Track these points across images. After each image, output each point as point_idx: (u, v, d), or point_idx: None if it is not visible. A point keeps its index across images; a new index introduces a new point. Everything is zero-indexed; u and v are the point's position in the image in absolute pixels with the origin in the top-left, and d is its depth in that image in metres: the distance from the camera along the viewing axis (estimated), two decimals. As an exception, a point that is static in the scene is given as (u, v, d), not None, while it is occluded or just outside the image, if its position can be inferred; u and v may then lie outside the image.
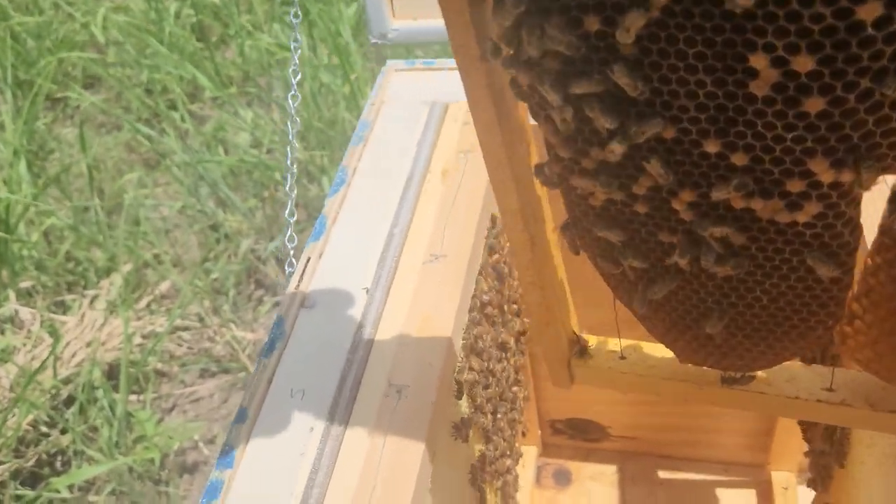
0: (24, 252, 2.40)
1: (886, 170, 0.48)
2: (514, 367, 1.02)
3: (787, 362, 0.68)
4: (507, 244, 0.95)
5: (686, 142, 0.50)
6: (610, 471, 1.47)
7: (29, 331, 2.19)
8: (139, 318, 2.25)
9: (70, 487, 1.88)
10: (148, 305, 2.29)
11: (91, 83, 3.16)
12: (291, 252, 0.82)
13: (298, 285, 0.82)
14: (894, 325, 0.59)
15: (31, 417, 1.97)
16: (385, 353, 0.77)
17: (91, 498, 1.88)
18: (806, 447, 1.08)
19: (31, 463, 1.93)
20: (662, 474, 1.45)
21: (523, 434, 1.12)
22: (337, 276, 0.84)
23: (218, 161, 2.63)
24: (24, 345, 2.15)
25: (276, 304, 2.30)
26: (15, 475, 1.91)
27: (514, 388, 1.04)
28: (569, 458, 1.49)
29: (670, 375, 0.74)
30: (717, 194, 0.52)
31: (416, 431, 0.70)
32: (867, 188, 0.49)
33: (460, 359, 0.82)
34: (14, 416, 1.94)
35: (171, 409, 2.09)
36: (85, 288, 2.33)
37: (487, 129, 0.57)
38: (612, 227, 0.59)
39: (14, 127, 2.78)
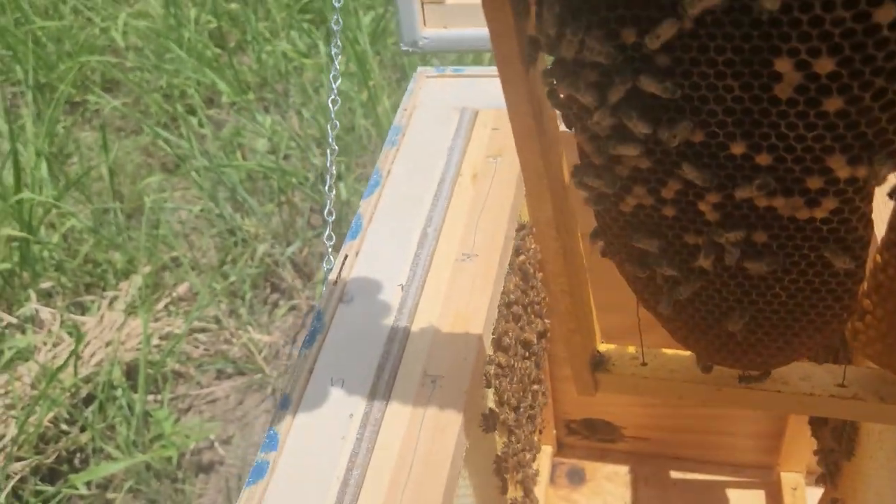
0: (45, 253, 2.42)
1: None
2: (535, 365, 1.06)
3: (801, 362, 0.71)
4: (533, 246, 0.98)
5: (713, 145, 0.53)
6: (623, 471, 1.50)
7: (49, 330, 2.21)
8: (157, 320, 2.27)
9: (88, 484, 1.90)
10: (166, 307, 2.31)
11: (110, 87, 3.19)
12: (329, 250, 0.86)
13: (337, 281, 0.86)
14: (904, 320, 0.62)
15: (51, 415, 1.99)
16: (420, 346, 0.80)
17: (109, 495, 1.90)
18: (815, 446, 1.12)
19: (51, 459, 1.95)
20: (675, 475, 1.47)
21: (540, 432, 1.15)
22: (373, 273, 0.87)
23: (236, 166, 2.65)
24: (45, 344, 2.17)
25: (292, 307, 2.32)
26: (35, 471, 1.92)
27: (535, 386, 1.07)
28: (583, 458, 1.51)
29: (690, 378, 0.75)
30: (741, 193, 0.55)
31: (451, 418, 0.73)
32: (881, 183, 0.52)
33: (490, 353, 0.86)
34: (35, 413, 1.97)
35: (188, 410, 2.11)
36: (104, 289, 2.35)
37: (526, 139, 0.58)
38: (645, 233, 0.61)
39: (35, 130, 2.81)
